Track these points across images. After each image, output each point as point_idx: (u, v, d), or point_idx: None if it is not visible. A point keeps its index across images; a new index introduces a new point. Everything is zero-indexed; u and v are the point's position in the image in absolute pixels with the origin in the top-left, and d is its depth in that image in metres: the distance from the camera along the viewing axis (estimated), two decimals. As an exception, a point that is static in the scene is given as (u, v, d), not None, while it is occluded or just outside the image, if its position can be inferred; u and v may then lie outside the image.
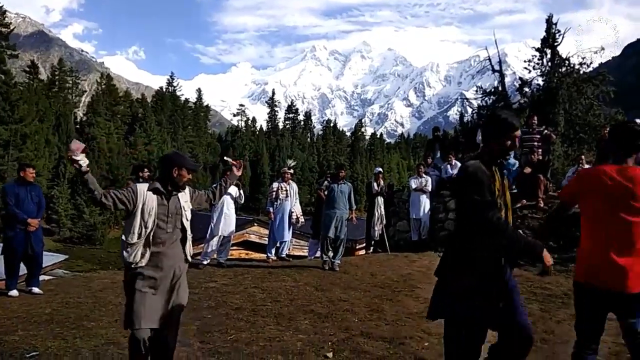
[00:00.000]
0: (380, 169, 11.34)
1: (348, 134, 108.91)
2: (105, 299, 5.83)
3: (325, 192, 8.28)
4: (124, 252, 3.06)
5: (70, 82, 73.20)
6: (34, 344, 4.18)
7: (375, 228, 10.78)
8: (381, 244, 11.13)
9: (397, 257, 9.02)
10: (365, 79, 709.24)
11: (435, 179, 10.44)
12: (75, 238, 42.78)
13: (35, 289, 6.10)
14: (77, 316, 5.03)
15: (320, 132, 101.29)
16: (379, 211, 10.74)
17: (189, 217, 3.29)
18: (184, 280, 3.28)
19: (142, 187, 3.15)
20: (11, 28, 54.91)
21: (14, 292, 5.91)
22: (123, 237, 3.13)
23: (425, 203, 10.06)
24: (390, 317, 5.14)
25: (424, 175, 10.18)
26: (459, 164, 10.52)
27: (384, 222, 10.87)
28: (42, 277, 6.79)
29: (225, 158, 3.69)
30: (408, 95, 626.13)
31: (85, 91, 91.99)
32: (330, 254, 7.77)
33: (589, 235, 2.88)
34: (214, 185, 3.88)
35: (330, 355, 4.00)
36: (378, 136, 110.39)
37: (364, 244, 13.87)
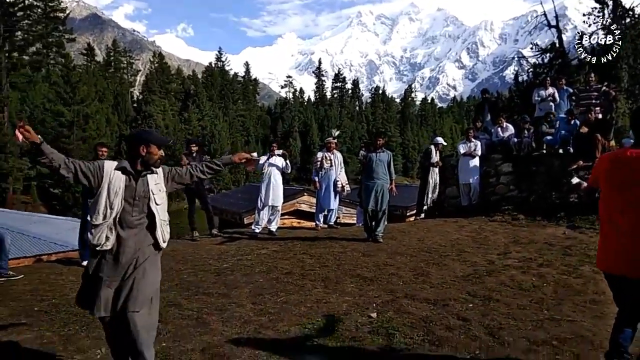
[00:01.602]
0: (442, 140, 11.17)
1: (398, 100, 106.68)
2: (167, 265, 6.08)
3: (363, 162, 7.93)
4: (89, 233, 2.86)
5: (125, 62, 76.14)
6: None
7: (429, 195, 10.79)
8: (433, 210, 11.10)
9: (447, 223, 8.98)
10: (414, 42, 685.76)
11: (485, 142, 10.17)
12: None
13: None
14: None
15: (369, 100, 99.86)
16: (433, 179, 10.74)
17: (160, 201, 2.99)
18: (151, 265, 2.94)
19: (110, 165, 2.92)
20: (67, 13, 57.55)
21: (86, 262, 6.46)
22: (88, 217, 2.95)
23: (475, 168, 9.85)
24: (436, 281, 5.20)
25: (473, 140, 9.92)
26: (510, 127, 10.18)
27: (437, 190, 10.86)
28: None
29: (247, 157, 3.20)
30: (460, 57, 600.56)
31: (140, 70, 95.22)
32: (373, 226, 7.45)
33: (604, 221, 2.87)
34: (204, 161, 3.55)
35: (374, 315, 4.15)
36: (429, 101, 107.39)
37: (414, 211, 13.86)
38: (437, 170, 10.81)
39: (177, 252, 7.17)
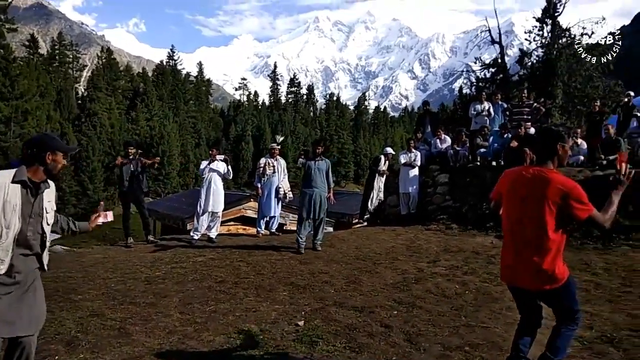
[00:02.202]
0: (392, 151, 11.56)
1: (351, 107, 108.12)
2: (94, 273, 6.06)
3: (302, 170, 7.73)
4: None
5: (71, 56, 72.62)
6: (24, 315, 4.41)
7: (373, 201, 11.08)
8: (375, 218, 11.40)
9: (385, 231, 9.22)
10: (370, 50, 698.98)
11: (424, 153, 10.56)
12: (79, 214, 43.34)
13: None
14: (65, 290, 5.26)
15: (323, 106, 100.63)
16: (377, 186, 11.04)
17: (50, 221, 2.79)
18: (40, 288, 2.81)
19: (4, 179, 2.57)
20: (9, 1, 54.33)
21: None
22: None
23: (414, 178, 10.20)
24: (366, 288, 5.35)
25: (413, 150, 10.28)
26: (448, 139, 10.62)
27: (382, 198, 11.16)
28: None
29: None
30: (413, 67, 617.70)
31: (86, 65, 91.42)
32: (303, 236, 7.31)
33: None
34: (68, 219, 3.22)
35: (301, 323, 4.22)
36: (382, 110, 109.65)
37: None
38: (382, 178, 11.14)
39: (107, 259, 6.95)
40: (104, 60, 69.23)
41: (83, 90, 69.11)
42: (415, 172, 10.17)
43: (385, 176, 11.20)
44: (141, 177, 8.10)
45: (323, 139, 40.30)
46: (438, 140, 10.65)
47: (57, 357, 3.50)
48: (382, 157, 11.29)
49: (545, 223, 2.76)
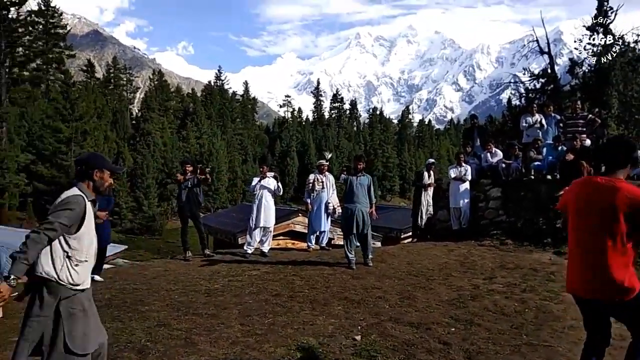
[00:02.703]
0: (434, 161, 11.52)
1: (395, 121, 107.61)
2: (158, 285, 6.37)
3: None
4: (70, 271, 2.67)
5: (125, 79, 76.73)
6: (97, 325, 4.71)
7: (423, 217, 10.95)
8: (425, 233, 11.26)
9: (436, 247, 9.12)
10: (412, 64, 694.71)
11: (474, 167, 10.39)
12: (135, 229, 45.24)
13: (97, 277, 6.75)
14: (133, 301, 5.57)
15: (367, 121, 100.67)
16: (426, 201, 10.91)
17: None
18: None
19: (82, 198, 2.77)
20: (68, 29, 58.24)
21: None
22: (67, 257, 2.69)
23: (465, 192, 10.04)
24: (421, 304, 5.33)
25: (463, 164, 10.14)
26: (499, 152, 10.42)
27: (431, 212, 11.02)
28: (103, 266, 7.46)
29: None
30: (457, 79, 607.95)
31: (139, 87, 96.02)
32: (352, 251, 7.32)
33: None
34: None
35: (358, 338, 4.27)
36: (426, 123, 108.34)
37: (409, 233, 14.00)
38: (429, 192, 10.99)
39: (169, 272, 7.28)
40: (155, 82, 72.62)
41: (137, 111, 72.63)
42: (466, 186, 10.01)
43: (432, 188, 11.02)
44: (197, 191, 8.43)
45: (364, 155, 40.25)
46: (488, 154, 10.45)
47: (130, 365, 3.72)
48: (425, 171, 11.16)
49: (614, 233, 2.71)
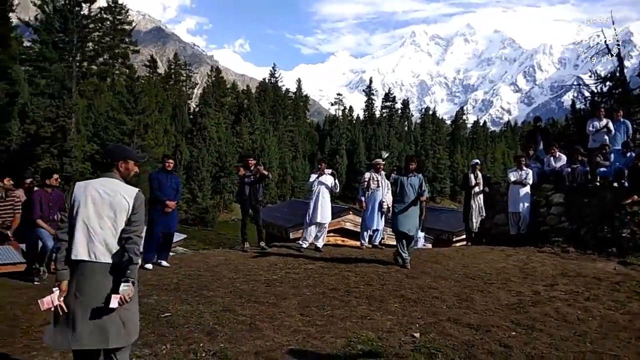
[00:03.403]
0: (478, 161, 11.22)
1: (448, 122, 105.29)
2: (220, 273, 6.69)
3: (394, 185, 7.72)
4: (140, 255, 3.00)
5: (184, 75, 79.75)
6: (166, 307, 5.04)
7: (473, 220, 10.71)
8: (479, 237, 11.03)
9: (493, 251, 8.95)
10: (469, 63, 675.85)
11: (536, 171, 10.08)
12: (190, 220, 47.05)
13: (164, 262, 7.18)
14: (198, 286, 5.90)
15: (419, 121, 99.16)
16: (476, 203, 10.65)
17: None
18: None
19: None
20: (133, 25, 61.20)
21: (149, 266, 7.00)
22: (139, 244, 3.00)
23: (525, 197, 9.76)
24: (479, 307, 5.30)
25: (524, 168, 9.85)
26: (563, 157, 10.05)
27: (483, 214, 10.74)
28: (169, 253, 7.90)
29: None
30: (516, 80, 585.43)
31: (197, 83, 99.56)
32: (405, 251, 7.37)
33: None
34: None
35: (417, 335, 4.33)
36: (481, 124, 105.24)
37: (462, 236, 13.76)
38: (479, 194, 10.66)
39: (229, 261, 7.61)
40: (213, 79, 74.97)
41: (194, 106, 75.27)
42: (526, 190, 9.72)
43: (480, 189, 10.67)
44: (258, 186, 8.72)
45: (417, 155, 39.45)
46: (552, 158, 10.10)
47: (201, 345, 3.97)
48: (470, 172, 10.82)
49: None
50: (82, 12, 42.91)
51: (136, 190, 3.04)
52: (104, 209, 2.93)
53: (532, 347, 4.10)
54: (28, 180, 8.02)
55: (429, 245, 13.00)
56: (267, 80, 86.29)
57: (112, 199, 2.95)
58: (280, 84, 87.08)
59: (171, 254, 8.17)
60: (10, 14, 41.41)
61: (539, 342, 4.23)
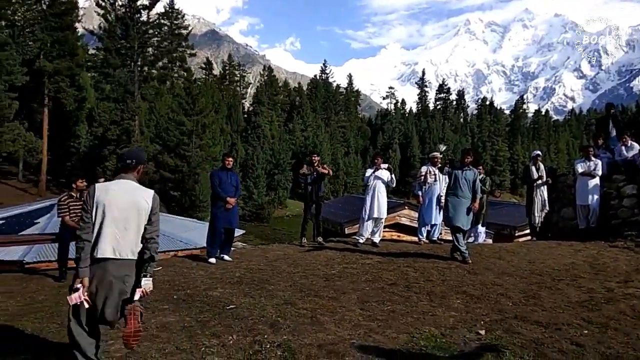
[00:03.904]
0: (539, 152, 10.68)
1: (507, 112, 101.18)
2: (280, 267, 6.83)
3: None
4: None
5: (238, 75, 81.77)
6: (231, 300, 5.21)
7: (536, 214, 10.26)
8: (544, 232, 10.55)
9: (560, 246, 8.52)
10: (528, 50, 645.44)
11: (606, 161, 9.47)
12: (246, 216, 48.32)
13: (227, 257, 7.42)
14: (260, 280, 6.05)
15: (475, 112, 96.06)
16: (539, 197, 10.18)
17: None
18: None
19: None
20: (189, 29, 63.40)
21: (213, 260, 7.26)
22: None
23: (595, 189, 9.21)
24: (548, 304, 5.07)
25: (593, 159, 9.29)
26: (636, 146, 9.39)
27: (547, 208, 10.27)
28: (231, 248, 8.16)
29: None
30: (580, 66, 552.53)
31: (251, 83, 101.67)
32: (463, 245, 7.22)
33: None
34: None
35: (482, 332, 4.21)
36: (543, 113, 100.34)
37: (525, 231, 13.21)
38: (542, 187, 10.15)
39: (287, 256, 7.74)
40: (265, 78, 76.42)
41: (248, 105, 77.07)
42: (595, 182, 9.16)
43: (544, 181, 10.13)
44: (320, 183, 8.80)
45: (473, 149, 38.19)
46: (623, 147, 9.45)
47: (265, 336, 4.08)
48: (531, 164, 10.28)
49: None
50: (141, 19, 44.97)
51: (152, 192, 3.37)
52: (127, 211, 3.21)
53: (606, 347, 3.87)
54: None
55: (490, 241, 12.60)
56: (318, 77, 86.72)
57: (134, 200, 3.23)
58: (331, 80, 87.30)
59: (232, 248, 8.42)
60: (77, 24, 44.20)
61: (614, 342, 3.99)
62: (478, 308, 4.95)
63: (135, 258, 3.24)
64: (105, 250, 3.12)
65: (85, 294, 3.09)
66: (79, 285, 3.10)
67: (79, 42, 42.98)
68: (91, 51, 45.60)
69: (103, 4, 41.04)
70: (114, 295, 3.14)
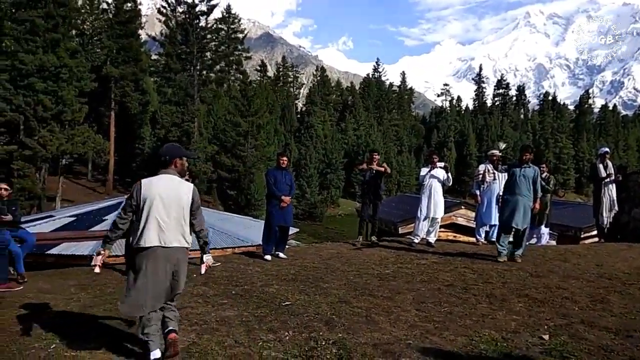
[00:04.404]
0: (607, 149, 10.01)
1: (571, 107, 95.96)
2: (333, 265, 6.86)
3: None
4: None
5: (292, 76, 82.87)
6: (286, 296, 5.29)
7: (604, 215, 9.67)
8: (613, 233, 9.91)
9: (632, 248, 8.00)
10: (593, 42, 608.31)
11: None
12: (299, 215, 48.93)
13: (282, 254, 7.55)
14: (314, 278, 6.10)
15: (536, 108, 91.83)
16: (608, 196, 9.58)
17: None
18: None
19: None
20: (245, 33, 64.94)
21: (269, 257, 7.41)
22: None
23: (671, 187, 8.56)
24: (618, 310, 4.77)
25: (670, 155, 8.61)
26: None
27: (616, 208, 9.64)
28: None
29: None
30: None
31: (304, 84, 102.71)
32: (504, 245, 7.00)
33: None
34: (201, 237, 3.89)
35: (546, 337, 4.02)
36: (611, 108, 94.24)
37: (591, 232, 12.47)
38: (611, 185, 9.52)
39: (341, 255, 7.77)
40: (318, 78, 76.91)
41: (301, 105, 77.93)
42: (673, 180, 8.51)
43: (612, 179, 9.48)
44: (379, 181, 8.76)
45: (532, 146, 36.51)
46: None
47: (321, 333, 4.11)
48: (599, 162, 9.62)
49: None
50: (200, 25, 46.62)
51: (192, 185, 3.70)
52: (171, 204, 3.51)
53: (689, 358, 3.59)
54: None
55: (553, 242, 12.01)
56: (370, 76, 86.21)
57: (176, 194, 3.55)
58: (383, 78, 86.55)
59: (286, 246, 8.56)
60: (140, 31, 46.50)
61: (698, 353, 3.68)
62: (541, 312, 4.74)
63: (183, 246, 3.58)
64: (152, 239, 3.45)
65: (101, 261, 3.69)
66: (102, 251, 3.70)
67: (142, 48, 45.20)
68: (153, 57, 47.81)
69: (164, 11, 42.95)
70: (169, 273, 3.52)
